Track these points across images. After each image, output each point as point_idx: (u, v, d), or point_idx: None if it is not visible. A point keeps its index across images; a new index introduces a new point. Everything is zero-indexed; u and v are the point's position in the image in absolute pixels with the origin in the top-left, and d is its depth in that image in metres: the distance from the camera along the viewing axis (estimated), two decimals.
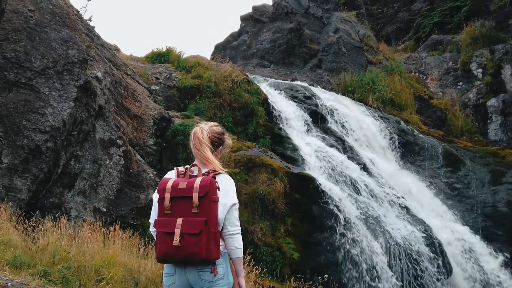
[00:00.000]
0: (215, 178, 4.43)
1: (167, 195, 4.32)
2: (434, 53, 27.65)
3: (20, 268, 7.25)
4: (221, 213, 4.37)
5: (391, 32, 35.07)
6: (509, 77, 23.27)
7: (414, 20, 33.46)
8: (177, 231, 4.19)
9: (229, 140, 4.93)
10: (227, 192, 4.45)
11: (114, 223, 11.44)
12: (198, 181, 4.31)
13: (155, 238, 4.45)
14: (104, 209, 13.05)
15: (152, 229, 4.54)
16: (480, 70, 24.61)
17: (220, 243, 4.40)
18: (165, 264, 4.49)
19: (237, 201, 4.50)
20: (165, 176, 4.61)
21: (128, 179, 13.92)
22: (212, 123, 4.85)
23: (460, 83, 25.29)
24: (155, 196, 4.47)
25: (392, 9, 36.13)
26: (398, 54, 30.52)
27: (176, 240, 4.17)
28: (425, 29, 31.28)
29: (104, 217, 12.52)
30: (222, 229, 4.44)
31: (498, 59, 24.07)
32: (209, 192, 4.26)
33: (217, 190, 4.37)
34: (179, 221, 4.23)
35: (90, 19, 18.09)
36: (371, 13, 37.05)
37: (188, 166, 4.63)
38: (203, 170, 4.53)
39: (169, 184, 4.38)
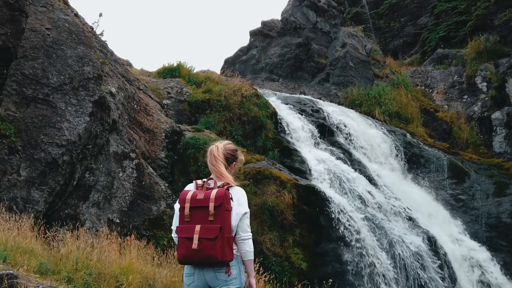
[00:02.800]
0: (229, 190, 4.95)
1: (187, 205, 4.90)
2: (439, 67, 27.87)
3: (45, 274, 7.66)
4: (234, 220, 4.92)
5: (397, 46, 35.29)
6: None
7: (420, 34, 33.65)
8: (196, 236, 4.75)
9: (241, 156, 5.49)
10: (240, 202, 5.00)
11: (130, 233, 11.83)
12: (214, 192, 4.86)
13: (176, 243, 4.98)
14: (118, 220, 13.34)
15: (174, 235, 5.09)
16: (485, 83, 24.83)
17: (233, 247, 4.94)
18: (185, 266, 5.03)
19: (248, 210, 5.04)
20: (185, 188, 5.17)
21: (141, 191, 14.22)
22: (226, 142, 5.44)
23: (465, 96, 25.53)
24: (177, 206, 5.08)
25: (399, 23, 36.35)
26: (405, 67, 30.75)
27: (195, 244, 4.73)
28: (431, 43, 31.54)
29: (117, 228, 12.84)
30: (235, 235, 4.97)
31: (503, 72, 24.33)
32: (224, 202, 4.81)
33: (231, 200, 4.90)
34: (198, 227, 4.79)
35: (101, 34, 18.48)
36: (378, 27, 37.27)
37: (205, 180, 5.16)
38: (219, 183, 5.06)
39: (189, 196, 4.94)
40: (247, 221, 5.03)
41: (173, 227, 5.13)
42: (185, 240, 4.82)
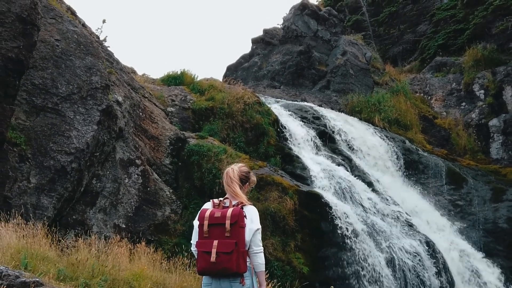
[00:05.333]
0: (243, 208, 5.46)
1: (206, 222, 5.40)
2: (438, 74, 28.24)
3: (64, 281, 8.04)
4: (247, 236, 5.44)
5: (397, 53, 35.65)
6: (510, 98, 23.89)
7: (419, 41, 34.02)
8: (214, 251, 5.26)
9: (254, 177, 6.01)
10: (252, 219, 5.51)
11: (139, 239, 12.14)
12: (229, 211, 5.37)
13: (195, 256, 5.51)
14: (123, 225, 13.67)
15: (193, 249, 5.62)
16: (482, 91, 25.24)
17: (247, 260, 5.47)
18: (203, 276, 5.56)
19: (260, 226, 5.56)
20: (203, 207, 5.66)
21: (146, 197, 14.54)
22: (240, 164, 5.98)
23: (463, 104, 25.92)
24: (196, 223, 5.55)
25: (398, 30, 36.70)
26: (404, 75, 31.10)
27: (213, 258, 5.24)
28: (430, 51, 31.95)
29: (123, 233, 13.16)
30: (248, 249, 5.49)
31: (500, 80, 24.71)
32: (238, 220, 5.33)
33: (244, 218, 5.42)
34: (215, 242, 5.30)
35: (105, 40, 18.80)
36: (378, 34, 37.60)
37: (221, 199, 5.67)
38: (233, 202, 5.57)
39: (207, 214, 5.44)
40: (259, 236, 5.54)
41: (193, 242, 5.64)
42: (204, 254, 5.33)
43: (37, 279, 6.70)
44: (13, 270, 6.73)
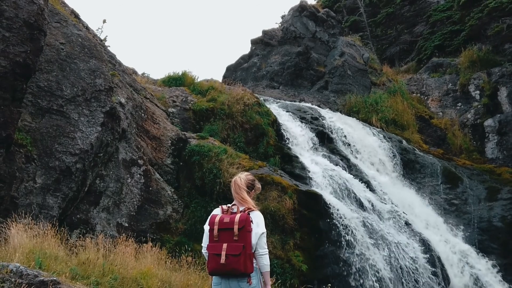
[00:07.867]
0: (249, 214, 5.98)
1: (216, 227, 5.94)
2: (434, 75, 28.53)
3: (76, 279, 8.37)
4: (254, 239, 5.96)
5: (394, 53, 35.90)
6: (505, 99, 24.22)
7: (416, 42, 34.28)
8: (223, 253, 5.80)
9: (258, 184, 6.58)
10: (258, 224, 6.04)
11: (146, 239, 12.43)
12: (237, 217, 5.90)
13: (206, 258, 6.03)
14: (126, 224, 13.95)
15: (204, 251, 6.14)
16: (478, 92, 25.55)
17: (253, 261, 5.97)
18: (213, 276, 6.07)
19: (265, 230, 6.08)
20: (213, 213, 6.21)
21: (148, 196, 14.85)
22: (246, 173, 6.58)
23: (459, 104, 26.21)
24: (206, 227, 6.10)
25: (395, 31, 36.96)
26: (401, 75, 31.33)
27: (222, 259, 5.77)
28: (427, 52, 32.25)
29: (126, 232, 13.45)
30: (254, 251, 6.00)
31: (495, 81, 25.05)
32: (245, 225, 5.87)
33: (251, 223, 5.93)
34: (225, 246, 5.83)
35: (105, 39, 19.02)
36: (375, 35, 37.87)
37: (229, 205, 6.22)
38: (241, 208, 6.10)
39: (217, 219, 5.98)
40: (264, 239, 6.06)
41: (204, 245, 6.16)
42: (215, 256, 5.84)
43: (55, 278, 7.05)
44: (32, 270, 7.08)
